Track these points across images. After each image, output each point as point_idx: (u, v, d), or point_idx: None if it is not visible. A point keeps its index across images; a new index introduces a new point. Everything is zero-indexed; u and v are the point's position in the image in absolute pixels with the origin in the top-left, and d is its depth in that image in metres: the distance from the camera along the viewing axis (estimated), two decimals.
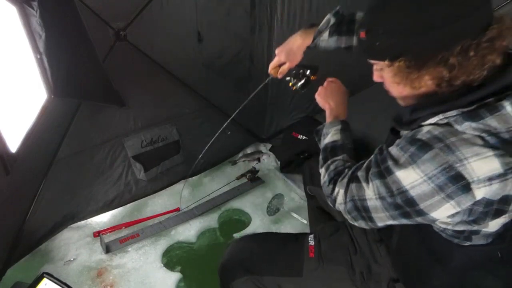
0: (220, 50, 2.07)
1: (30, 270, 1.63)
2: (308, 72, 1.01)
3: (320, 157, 0.99)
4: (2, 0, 1.18)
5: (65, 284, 1.22)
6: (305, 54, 1.08)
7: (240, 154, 2.54)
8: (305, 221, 1.93)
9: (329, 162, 0.94)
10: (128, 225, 1.91)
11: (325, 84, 1.13)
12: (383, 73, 0.72)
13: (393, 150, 0.70)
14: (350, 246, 1.05)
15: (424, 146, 0.62)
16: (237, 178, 2.27)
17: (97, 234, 1.83)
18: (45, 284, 1.21)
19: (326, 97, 1.08)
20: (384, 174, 0.70)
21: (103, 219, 1.97)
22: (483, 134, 0.59)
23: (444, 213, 0.65)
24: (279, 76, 1.13)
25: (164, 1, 1.70)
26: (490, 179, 0.59)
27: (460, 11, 0.58)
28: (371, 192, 0.73)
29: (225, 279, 1.12)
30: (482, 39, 0.59)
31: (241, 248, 1.16)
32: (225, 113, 2.32)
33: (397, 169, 0.67)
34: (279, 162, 2.43)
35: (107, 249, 1.76)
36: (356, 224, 0.81)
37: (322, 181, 0.93)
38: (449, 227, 0.72)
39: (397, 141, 0.71)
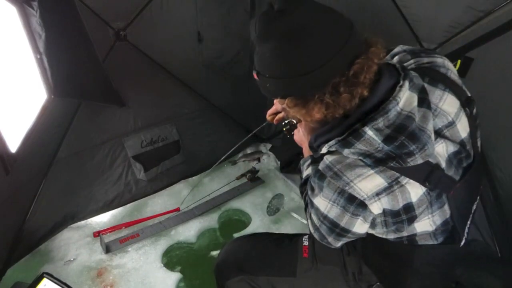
0: (220, 50, 2.08)
1: (30, 270, 1.63)
2: (294, 121, 1.11)
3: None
4: (2, 0, 1.18)
5: (65, 284, 1.22)
6: None
7: (240, 154, 2.54)
8: (305, 221, 1.93)
9: (303, 196, 0.98)
10: (128, 225, 1.91)
11: (298, 126, 1.14)
12: (283, 106, 0.77)
13: (310, 180, 0.80)
14: (343, 247, 1.05)
15: (321, 176, 0.73)
16: (237, 178, 2.27)
17: (97, 234, 1.83)
18: (45, 284, 1.21)
19: (300, 139, 1.11)
20: (311, 204, 0.81)
21: (103, 219, 1.97)
22: (361, 157, 0.68)
23: (362, 228, 0.75)
24: (275, 122, 1.20)
25: (164, 1, 1.70)
26: (378, 194, 0.68)
27: (326, 55, 0.62)
28: (316, 222, 0.82)
29: (220, 279, 1.13)
30: (349, 74, 0.64)
31: (236, 248, 1.17)
32: (225, 113, 2.32)
33: (313, 198, 0.78)
34: (279, 162, 2.43)
35: (107, 249, 1.76)
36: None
37: None
38: (385, 235, 0.80)
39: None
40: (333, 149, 0.72)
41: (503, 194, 1.32)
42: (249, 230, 1.96)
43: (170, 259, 1.78)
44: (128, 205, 2.04)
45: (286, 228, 1.96)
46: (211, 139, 2.32)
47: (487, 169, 1.33)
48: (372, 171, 0.68)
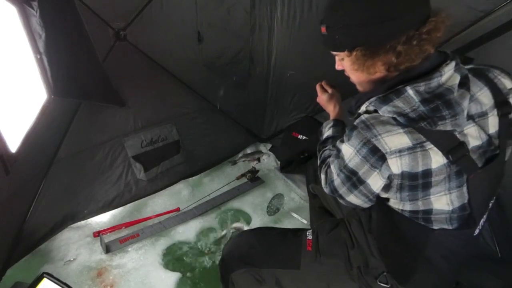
0: (220, 50, 2.07)
1: (30, 270, 1.63)
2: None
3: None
4: (2, 0, 1.18)
5: (65, 284, 1.22)
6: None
7: (240, 154, 2.54)
8: (305, 221, 1.93)
9: (320, 153, 1.04)
10: (128, 225, 1.91)
11: (322, 92, 1.22)
12: (344, 62, 0.83)
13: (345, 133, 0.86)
14: (348, 241, 1.07)
15: (353, 128, 0.78)
16: (237, 178, 2.27)
17: (97, 234, 1.83)
18: (45, 284, 1.21)
19: (325, 102, 1.20)
20: (337, 153, 0.85)
21: (103, 219, 1.97)
22: (395, 115, 0.72)
23: (377, 182, 0.78)
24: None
25: (164, 1, 1.70)
26: (400, 151, 0.72)
27: (406, 7, 0.69)
28: (334, 171, 0.87)
29: (224, 271, 1.15)
30: (422, 31, 0.70)
31: (240, 242, 1.18)
32: (225, 113, 2.33)
33: (340, 145, 0.84)
34: (279, 162, 2.43)
35: (107, 249, 1.76)
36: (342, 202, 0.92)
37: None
38: (401, 206, 0.82)
39: None
40: (371, 107, 0.76)
41: (503, 194, 1.32)
42: None
43: (170, 259, 1.78)
44: (128, 205, 2.04)
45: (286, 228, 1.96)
46: (211, 139, 2.32)
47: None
48: (401, 130, 0.71)
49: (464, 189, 0.76)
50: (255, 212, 2.08)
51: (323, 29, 0.78)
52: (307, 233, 1.13)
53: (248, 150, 2.58)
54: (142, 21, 1.68)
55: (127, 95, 1.81)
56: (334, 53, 0.84)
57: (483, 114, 0.77)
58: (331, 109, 1.16)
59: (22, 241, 1.63)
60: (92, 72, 1.55)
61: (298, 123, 2.31)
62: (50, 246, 1.78)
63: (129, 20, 1.65)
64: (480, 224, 0.83)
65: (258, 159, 2.45)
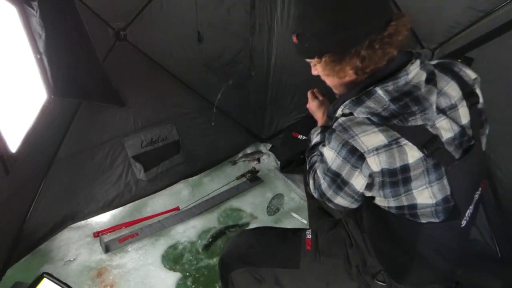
0: (220, 50, 2.07)
1: (30, 270, 1.63)
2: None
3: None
4: (2, 0, 1.18)
5: (65, 284, 1.22)
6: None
7: (240, 154, 2.54)
8: (305, 221, 1.93)
9: (308, 159, 1.06)
10: (128, 225, 1.91)
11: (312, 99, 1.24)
12: (317, 68, 0.88)
13: (326, 136, 0.90)
14: (346, 240, 1.07)
15: (332, 131, 0.82)
16: (237, 178, 2.27)
17: (97, 234, 1.83)
18: (45, 284, 1.21)
19: (314, 109, 1.22)
20: (321, 158, 0.89)
21: (103, 219, 1.97)
22: (369, 116, 0.76)
23: (359, 182, 0.81)
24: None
25: (164, 1, 1.70)
26: (377, 149, 0.75)
27: (366, 14, 0.74)
28: (320, 176, 0.90)
29: (224, 271, 1.15)
30: (384, 34, 0.75)
31: (240, 241, 1.19)
32: (225, 113, 2.32)
33: (322, 149, 0.87)
34: (279, 162, 2.43)
35: (106, 248, 1.76)
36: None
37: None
38: (386, 203, 0.84)
39: None
40: (346, 110, 0.81)
41: (503, 194, 1.32)
42: None
43: (170, 259, 1.78)
44: (128, 205, 2.04)
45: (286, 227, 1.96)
46: (211, 139, 2.32)
47: (487, 169, 1.33)
48: (376, 129, 0.75)
49: (445, 181, 0.79)
50: (255, 212, 2.08)
51: (294, 39, 0.84)
52: (307, 233, 1.13)
53: (248, 150, 2.58)
54: (142, 21, 1.68)
55: (127, 95, 1.81)
56: (307, 60, 0.89)
57: (453, 107, 0.80)
58: (320, 116, 1.18)
59: (22, 241, 1.63)
60: (92, 72, 1.55)
61: (298, 123, 2.31)
62: (50, 246, 1.78)
63: (129, 20, 1.65)
64: (466, 215, 0.84)
65: (258, 159, 2.45)
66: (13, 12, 1.23)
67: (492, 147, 1.30)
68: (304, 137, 2.19)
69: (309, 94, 1.24)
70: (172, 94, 2.05)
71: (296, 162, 2.27)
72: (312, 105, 1.20)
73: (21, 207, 1.61)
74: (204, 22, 1.89)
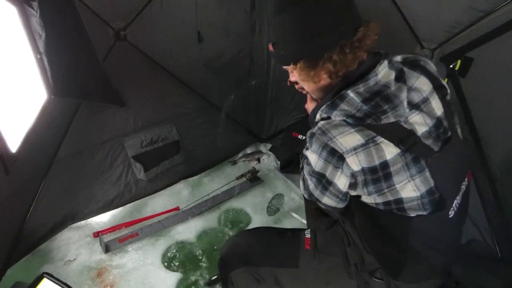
0: (220, 50, 2.08)
1: (30, 270, 1.63)
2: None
3: None
4: (2, 0, 1.18)
5: (65, 284, 1.22)
6: None
7: (240, 154, 2.54)
8: (304, 221, 1.93)
9: (302, 161, 1.06)
10: (128, 225, 1.91)
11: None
12: (294, 74, 0.92)
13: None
14: (344, 239, 1.08)
15: (312, 135, 0.85)
16: (237, 178, 2.27)
17: (97, 234, 1.83)
18: (45, 284, 1.21)
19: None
20: (306, 160, 0.92)
21: (103, 219, 1.97)
22: (345, 118, 0.79)
23: (342, 181, 0.84)
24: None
25: (164, 1, 1.70)
26: (355, 149, 0.78)
27: (334, 21, 0.78)
28: (307, 177, 0.93)
29: (223, 271, 1.15)
30: (353, 40, 0.79)
31: (239, 241, 1.19)
32: (225, 112, 2.32)
33: (305, 152, 0.91)
34: (279, 162, 2.43)
35: (106, 248, 1.76)
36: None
37: None
38: (373, 200, 0.86)
39: None
40: (324, 114, 0.84)
41: (503, 194, 1.32)
42: None
43: (170, 259, 1.78)
44: (128, 205, 2.04)
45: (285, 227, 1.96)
46: (211, 139, 2.32)
47: (487, 169, 1.33)
48: (352, 130, 0.78)
49: (427, 173, 0.81)
50: (255, 212, 2.08)
51: (270, 47, 0.88)
52: (306, 232, 1.14)
53: (248, 150, 2.58)
54: (142, 21, 1.68)
55: (127, 95, 1.81)
56: (284, 67, 0.92)
57: (425, 100, 0.83)
58: None
59: (22, 241, 1.63)
60: (92, 72, 1.55)
61: (298, 123, 2.31)
62: (50, 246, 1.78)
63: (129, 20, 1.65)
64: (454, 205, 0.86)
65: (258, 159, 2.44)
66: (13, 12, 1.23)
67: (492, 147, 1.30)
68: (304, 137, 2.19)
69: (308, 95, 1.24)
70: (172, 94, 2.05)
71: (296, 162, 2.26)
72: (310, 106, 1.20)
73: (21, 207, 1.61)
74: (204, 22, 1.90)
